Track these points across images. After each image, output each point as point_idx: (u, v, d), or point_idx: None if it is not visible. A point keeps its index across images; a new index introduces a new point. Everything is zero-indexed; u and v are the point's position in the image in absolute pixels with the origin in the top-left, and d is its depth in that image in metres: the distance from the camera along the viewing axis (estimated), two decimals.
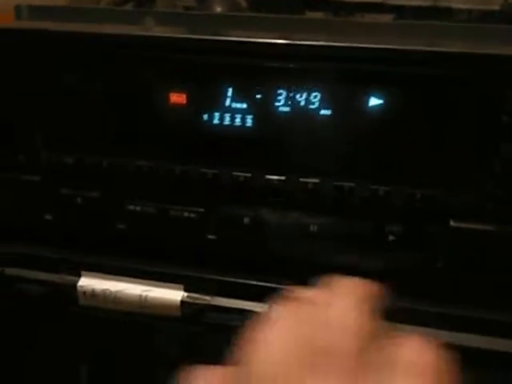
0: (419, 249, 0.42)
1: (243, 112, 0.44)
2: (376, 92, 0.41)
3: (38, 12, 0.77)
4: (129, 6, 1.05)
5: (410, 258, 0.43)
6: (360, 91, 0.41)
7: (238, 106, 0.44)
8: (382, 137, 0.41)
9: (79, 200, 0.48)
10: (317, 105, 0.42)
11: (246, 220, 0.45)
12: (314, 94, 0.42)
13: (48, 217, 0.49)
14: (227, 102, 0.44)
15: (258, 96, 0.43)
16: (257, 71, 0.43)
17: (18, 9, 0.52)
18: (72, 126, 0.46)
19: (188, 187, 0.45)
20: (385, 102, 0.41)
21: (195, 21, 0.77)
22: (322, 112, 0.42)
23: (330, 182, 0.42)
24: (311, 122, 0.42)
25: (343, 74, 0.41)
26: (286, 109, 0.43)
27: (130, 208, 0.47)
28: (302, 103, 0.42)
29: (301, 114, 0.42)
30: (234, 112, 0.44)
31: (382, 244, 0.42)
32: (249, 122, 0.44)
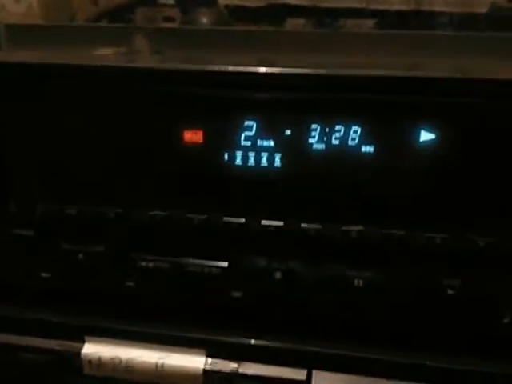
0: (482, 304, 0.37)
1: (270, 151, 0.39)
2: (427, 125, 0.36)
3: (18, 32, 0.73)
4: (105, 21, 1.00)
5: (471, 314, 0.38)
6: (408, 125, 0.36)
7: (264, 143, 0.39)
8: (436, 176, 0.36)
9: (81, 255, 0.42)
10: (357, 141, 0.37)
11: (277, 274, 0.39)
12: (353, 128, 0.37)
13: (46, 275, 0.43)
14: (251, 140, 0.39)
15: (288, 132, 0.38)
16: (285, 104, 0.38)
17: None
18: (73, 173, 0.41)
19: (209, 238, 0.40)
20: (438, 136, 0.36)
21: (187, 36, 0.73)
22: (364, 149, 0.37)
23: (376, 229, 0.37)
24: (351, 161, 0.38)
25: (387, 105, 0.37)
26: (321, 146, 0.38)
27: (140, 263, 0.41)
28: (339, 140, 0.38)
29: (338, 152, 0.38)
30: (259, 151, 0.39)
31: (440, 299, 0.37)
32: (277, 161, 0.39)
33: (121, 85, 0.39)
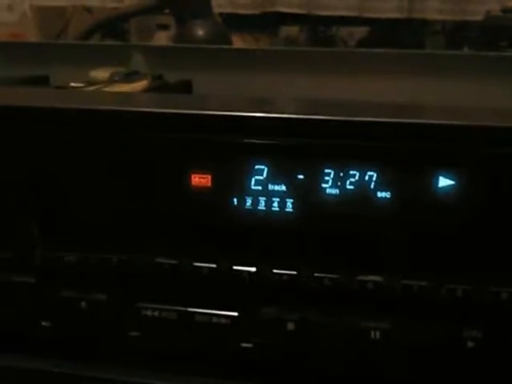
0: (505, 357, 0.36)
1: (282, 195, 0.37)
2: (446, 171, 0.35)
3: (8, 51, 0.71)
4: (96, 36, 0.99)
5: (493, 367, 0.36)
6: (427, 170, 0.35)
7: (276, 188, 0.38)
8: (456, 224, 0.35)
9: (83, 304, 0.40)
10: (372, 186, 0.36)
11: (290, 325, 0.38)
12: (369, 173, 0.36)
13: (45, 324, 0.41)
14: (262, 184, 0.37)
15: (300, 176, 0.37)
16: (297, 148, 0.36)
17: None
18: (74, 217, 0.39)
19: (218, 287, 0.38)
20: (457, 182, 0.35)
21: (186, 55, 0.72)
22: (380, 195, 0.36)
23: (395, 279, 0.35)
24: (366, 207, 0.36)
25: (404, 151, 0.35)
26: (335, 191, 0.37)
27: (145, 313, 0.39)
28: (354, 185, 0.36)
29: (353, 198, 0.36)
30: (270, 195, 0.37)
31: (460, 352, 0.36)
32: (289, 206, 0.37)
33: (125, 127, 0.38)
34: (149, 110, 0.37)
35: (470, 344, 0.36)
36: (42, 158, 0.39)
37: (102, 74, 0.69)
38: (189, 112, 0.36)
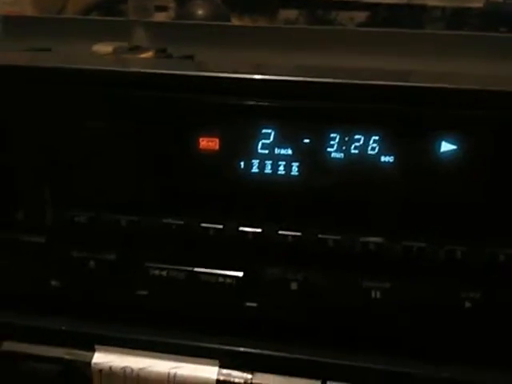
0: (501, 318, 0.37)
1: (288, 159, 0.38)
2: (449, 136, 0.36)
3: (14, 24, 0.71)
4: (95, 12, 0.99)
5: (489, 328, 0.37)
6: (429, 135, 0.36)
7: (282, 151, 0.38)
8: (456, 187, 0.36)
9: (92, 263, 0.41)
10: (376, 151, 0.37)
11: (294, 285, 0.39)
12: (373, 138, 0.37)
13: (55, 283, 0.42)
14: (268, 148, 0.38)
15: (306, 141, 0.38)
16: (304, 112, 0.37)
17: None
18: (85, 179, 0.40)
19: (224, 248, 0.39)
20: (459, 147, 0.36)
21: (187, 31, 0.72)
22: (383, 159, 0.37)
23: (395, 241, 0.37)
24: (370, 171, 0.37)
25: (408, 115, 0.36)
26: (339, 155, 0.38)
27: (153, 272, 0.41)
28: (359, 149, 0.37)
29: (357, 162, 0.37)
30: (276, 159, 0.38)
31: (457, 313, 0.37)
32: (294, 170, 0.38)
33: (135, 90, 0.38)
34: (157, 71, 0.37)
35: (468, 304, 0.37)
36: (55, 121, 0.39)
37: (104, 48, 0.69)
38: (198, 74, 0.37)
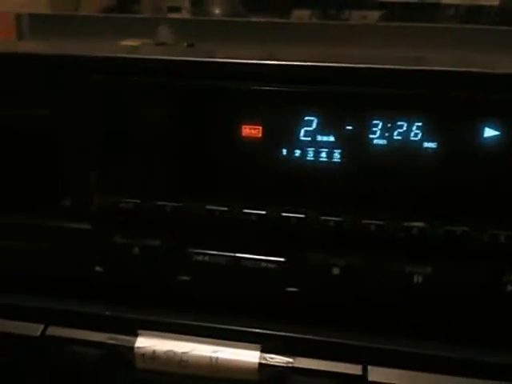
0: None
1: (330, 146, 0.39)
2: (492, 122, 0.36)
3: (43, 23, 0.72)
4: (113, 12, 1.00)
5: None
6: (472, 121, 0.36)
7: (324, 138, 0.39)
8: (499, 173, 0.36)
9: (136, 250, 0.42)
10: (419, 137, 0.38)
11: (336, 270, 0.40)
12: (415, 124, 0.37)
13: (99, 269, 0.43)
14: (311, 135, 0.39)
15: (349, 127, 0.38)
16: (347, 99, 0.38)
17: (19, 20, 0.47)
18: (131, 166, 0.41)
19: (266, 234, 0.40)
20: (502, 133, 0.36)
21: (212, 28, 0.73)
22: (426, 145, 0.38)
23: (439, 225, 0.37)
24: (412, 157, 0.38)
25: (451, 101, 0.37)
26: (382, 142, 0.38)
27: (196, 258, 0.42)
28: (401, 135, 0.38)
29: (399, 148, 0.38)
30: (318, 146, 0.39)
31: (499, 296, 0.38)
32: (336, 157, 0.39)
33: (180, 79, 0.39)
34: (203, 59, 0.38)
35: (510, 288, 0.37)
36: (104, 109, 0.40)
37: (132, 44, 0.71)
38: (242, 61, 0.37)
